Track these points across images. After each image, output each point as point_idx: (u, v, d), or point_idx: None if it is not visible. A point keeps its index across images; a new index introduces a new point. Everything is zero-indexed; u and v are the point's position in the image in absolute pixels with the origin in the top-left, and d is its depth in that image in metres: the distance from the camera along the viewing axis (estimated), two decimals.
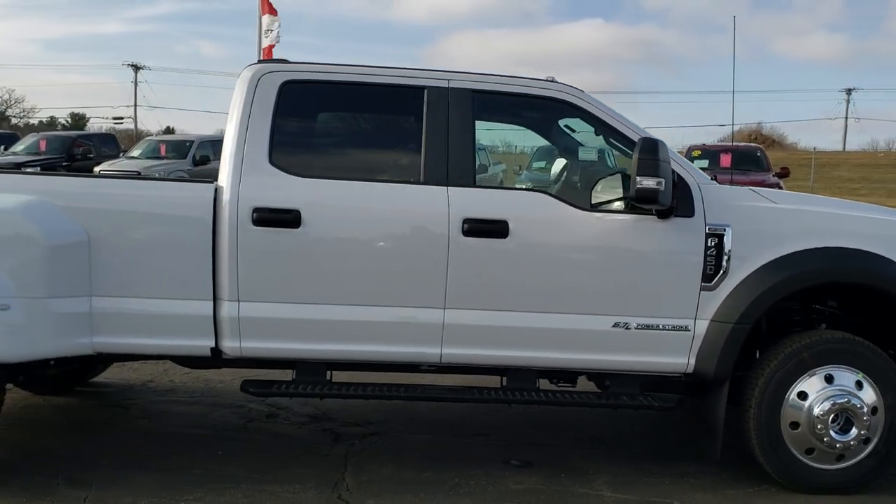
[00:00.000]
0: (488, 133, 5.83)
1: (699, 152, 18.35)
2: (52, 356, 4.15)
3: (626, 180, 4.16)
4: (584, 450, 4.92)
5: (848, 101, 73.64)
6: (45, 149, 21.51)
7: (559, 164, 5.03)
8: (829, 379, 4.24)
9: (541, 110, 4.53)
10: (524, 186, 4.59)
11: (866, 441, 4.23)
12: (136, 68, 59.20)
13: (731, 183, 5.18)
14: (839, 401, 4.20)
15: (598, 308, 4.22)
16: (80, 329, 4.10)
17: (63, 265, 4.02)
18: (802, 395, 4.24)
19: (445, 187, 4.19)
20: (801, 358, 4.23)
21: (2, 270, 3.92)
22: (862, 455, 4.26)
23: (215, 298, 4.17)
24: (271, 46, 15.99)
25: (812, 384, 4.24)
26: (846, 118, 72.00)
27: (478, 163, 4.36)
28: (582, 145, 4.70)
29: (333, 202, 4.17)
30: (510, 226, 4.14)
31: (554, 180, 4.62)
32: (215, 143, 20.89)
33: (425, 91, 4.30)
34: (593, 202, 4.21)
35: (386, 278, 4.17)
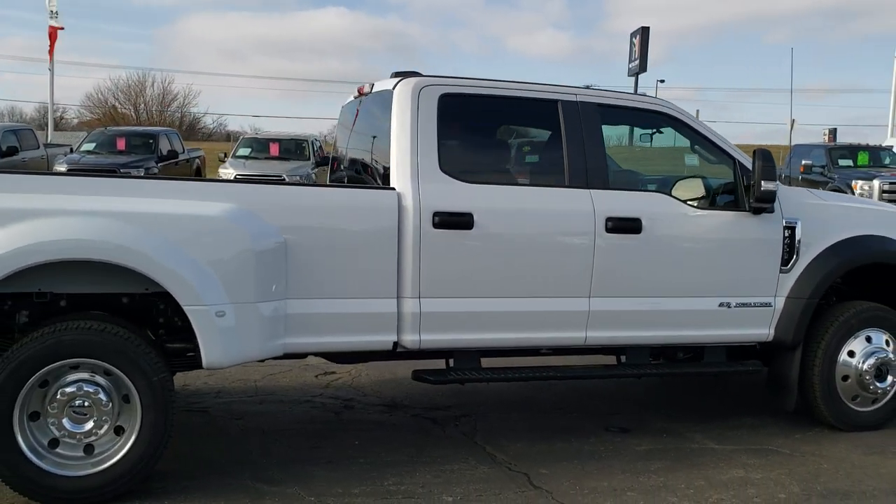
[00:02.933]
0: None
1: None
2: (257, 359, 4.25)
3: (713, 181, 5.00)
4: (659, 415, 5.70)
5: None
6: None
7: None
8: (868, 339, 5.34)
9: (647, 121, 5.22)
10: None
11: (892, 385, 5.38)
12: None
13: None
14: (879, 356, 5.32)
15: (708, 291, 5.01)
16: (279, 331, 4.24)
17: (268, 269, 4.14)
18: (851, 354, 5.31)
19: (587, 190, 4.78)
20: (850, 324, 5.29)
21: (216, 277, 3.99)
22: (887, 398, 5.41)
23: (398, 296, 4.46)
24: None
25: (858, 344, 5.32)
26: None
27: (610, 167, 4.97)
28: (687, 152, 5.46)
29: (501, 205, 4.60)
30: (643, 223, 4.81)
31: (666, 182, 5.32)
32: (19, 133, 19.20)
33: (559, 104, 4.85)
34: (701, 201, 5.00)
35: (544, 273, 4.68)
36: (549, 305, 4.71)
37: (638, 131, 5.65)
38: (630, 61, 31.17)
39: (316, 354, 4.63)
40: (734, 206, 5.05)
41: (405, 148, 4.51)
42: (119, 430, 3.98)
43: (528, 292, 4.67)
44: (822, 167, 19.24)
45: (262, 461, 4.62)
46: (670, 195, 4.99)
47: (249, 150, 18.79)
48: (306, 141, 19.54)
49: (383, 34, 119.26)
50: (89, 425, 3.91)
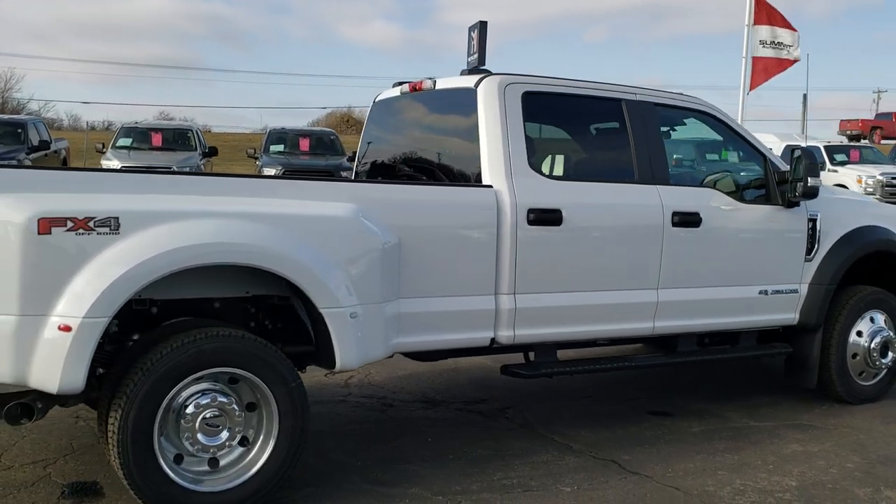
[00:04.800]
0: None
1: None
2: (379, 359, 4.17)
3: (746, 177, 5.38)
4: (689, 398, 6.02)
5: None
6: None
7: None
8: (872, 320, 5.90)
9: (690, 119, 5.49)
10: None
11: (892, 361, 5.97)
12: None
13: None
14: (883, 335, 5.88)
15: (751, 280, 5.37)
16: (394, 330, 4.18)
17: (388, 270, 4.08)
18: (860, 334, 5.84)
19: (654, 186, 5.00)
20: (859, 307, 5.82)
21: (348, 278, 3.89)
22: (883, 373, 5.99)
23: (496, 293, 4.51)
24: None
25: (864, 325, 5.87)
26: None
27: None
28: (729, 150, 5.77)
29: (585, 200, 4.74)
30: (701, 216, 5.10)
31: (714, 178, 5.60)
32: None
33: (623, 103, 5.04)
34: (746, 196, 5.35)
35: (621, 266, 4.87)
36: (625, 298, 4.89)
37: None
38: (469, 55, 31.90)
39: (407, 354, 4.59)
40: (766, 199, 5.43)
41: (497, 145, 4.54)
42: (243, 441, 3.81)
43: (607, 285, 4.83)
44: None
45: (356, 463, 4.54)
46: (719, 190, 5.30)
47: (130, 140, 17.75)
48: (190, 131, 18.76)
49: (208, 19, 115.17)
50: (223, 437, 3.72)
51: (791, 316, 5.61)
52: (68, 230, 3.35)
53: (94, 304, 3.34)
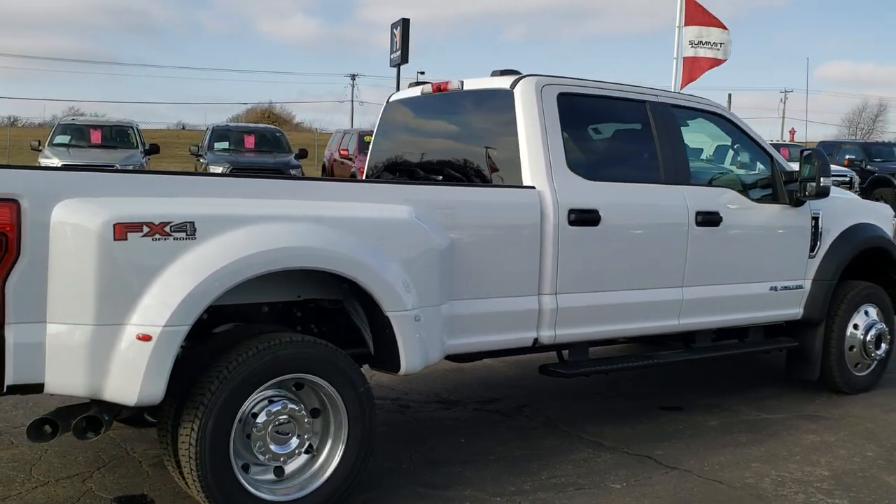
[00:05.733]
0: None
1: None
2: (435, 362, 4.14)
3: (755, 177, 5.56)
4: (694, 393, 6.17)
5: (353, 86, 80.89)
6: None
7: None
8: (867, 314, 6.15)
9: (710, 122, 5.61)
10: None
11: (885, 353, 6.24)
12: None
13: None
14: (878, 328, 6.14)
15: (763, 277, 5.54)
16: (447, 333, 4.17)
17: (445, 271, 4.07)
18: (856, 327, 6.09)
19: (679, 186, 5.11)
20: (855, 301, 6.06)
21: (411, 281, 3.86)
22: (874, 364, 6.26)
23: (539, 293, 4.54)
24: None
25: (860, 319, 6.12)
26: (352, 101, 79.14)
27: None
28: (737, 149, 5.90)
29: (620, 201, 4.80)
30: (721, 216, 5.23)
31: (723, 177, 5.73)
32: None
33: (648, 105, 5.14)
34: (753, 195, 5.51)
35: (652, 265, 4.96)
36: (655, 296, 4.99)
37: None
38: (392, 52, 31.74)
39: (448, 356, 4.57)
40: (773, 199, 5.60)
41: (537, 147, 4.57)
42: (308, 448, 3.74)
43: (639, 284, 4.92)
44: None
45: (398, 466, 4.51)
46: (734, 189, 5.44)
47: (68, 137, 17.08)
48: (131, 127, 18.15)
49: (122, 12, 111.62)
50: (293, 444, 3.65)
51: (797, 311, 5.81)
52: (144, 235, 3.23)
53: (175, 312, 3.23)
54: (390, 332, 3.82)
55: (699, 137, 5.98)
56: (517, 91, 4.66)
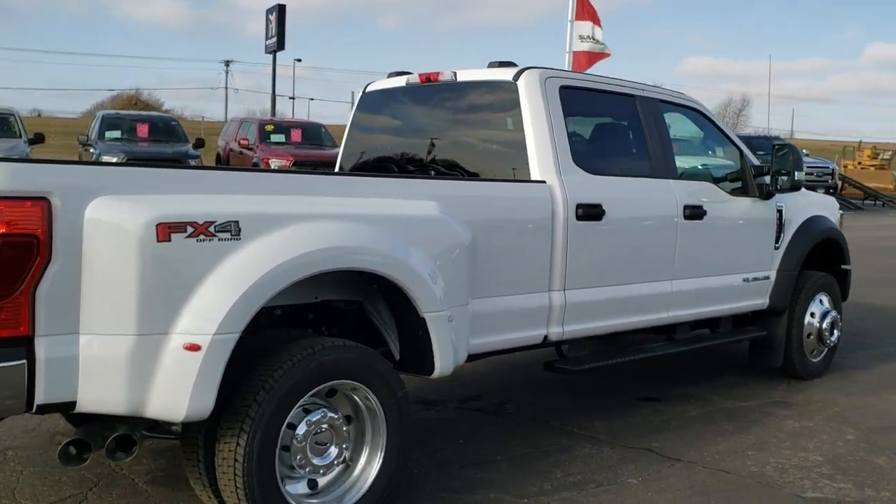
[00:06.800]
0: None
1: None
2: (460, 364, 3.99)
3: (727, 170, 5.71)
4: (667, 384, 6.26)
5: (227, 73, 78.80)
6: None
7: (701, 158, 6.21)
8: (821, 302, 6.41)
9: (686, 116, 5.68)
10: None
11: (836, 339, 6.53)
12: None
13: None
14: (832, 315, 6.41)
15: (738, 268, 5.68)
16: (470, 333, 4.04)
17: (471, 270, 3.94)
18: (812, 315, 6.34)
19: (667, 180, 5.15)
20: (812, 290, 6.31)
21: (443, 280, 3.72)
22: (826, 351, 6.55)
23: (549, 289, 4.47)
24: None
25: (816, 307, 6.37)
26: (226, 88, 77.09)
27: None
28: (710, 143, 5.98)
29: (621, 195, 4.79)
30: (704, 209, 5.31)
31: (706, 172, 5.80)
32: None
33: (637, 100, 5.16)
34: (729, 189, 5.63)
35: (647, 259, 4.99)
36: (650, 289, 5.02)
37: None
38: (267, 38, 31.07)
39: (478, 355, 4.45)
40: (743, 192, 5.74)
41: (545, 140, 4.49)
42: (343, 458, 3.55)
43: (636, 278, 4.94)
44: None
45: (412, 471, 4.34)
46: (713, 183, 5.54)
47: None
48: (12, 115, 16.88)
49: None
50: (332, 454, 3.45)
51: (763, 301, 5.98)
52: (189, 236, 2.96)
53: (225, 319, 2.98)
54: (424, 334, 3.67)
55: (674, 131, 6.04)
56: (521, 83, 4.57)
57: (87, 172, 3.02)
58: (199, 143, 17.55)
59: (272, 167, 16.94)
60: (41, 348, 2.81)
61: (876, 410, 5.72)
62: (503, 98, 4.65)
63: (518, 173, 4.54)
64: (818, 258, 6.55)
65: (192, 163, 16.05)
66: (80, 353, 2.88)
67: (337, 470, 3.52)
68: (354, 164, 5.47)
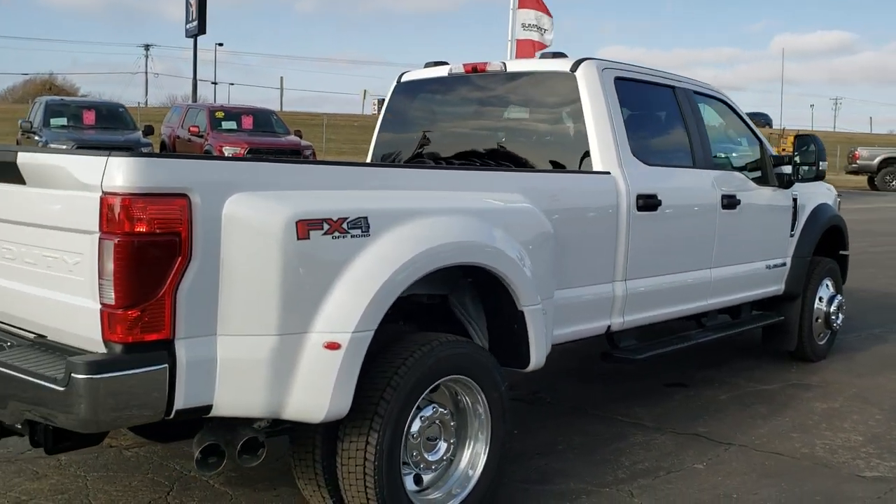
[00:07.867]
0: None
1: None
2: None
3: (750, 161, 5.86)
4: (686, 368, 6.39)
5: (147, 57, 76.64)
6: None
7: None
8: (827, 287, 6.65)
9: (709, 106, 5.78)
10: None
11: (841, 322, 6.78)
12: None
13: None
14: (837, 300, 6.66)
15: (763, 255, 5.84)
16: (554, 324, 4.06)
17: (556, 262, 3.95)
18: (821, 299, 6.56)
19: (707, 170, 5.26)
20: (820, 275, 6.53)
21: (536, 273, 3.72)
22: (829, 333, 6.79)
23: (613, 280, 4.52)
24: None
25: (823, 291, 6.60)
26: (146, 73, 74.97)
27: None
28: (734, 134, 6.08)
29: (673, 186, 4.86)
30: (738, 199, 5.44)
31: (735, 162, 5.90)
32: None
33: (675, 91, 5.24)
34: (753, 178, 5.78)
35: (695, 247, 5.10)
36: (696, 277, 5.12)
37: None
38: (188, 22, 30.24)
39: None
40: (764, 181, 5.90)
41: (606, 132, 4.53)
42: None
43: (686, 267, 5.04)
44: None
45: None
46: (741, 173, 5.67)
47: None
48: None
49: None
50: (441, 450, 3.43)
51: (779, 287, 6.17)
52: (325, 233, 2.89)
53: (363, 317, 2.92)
54: (521, 328, 3.67)
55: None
56: (580, 74, 4.59)
57: (225, 167, 2.91)
58: (149, 131, 17.05)
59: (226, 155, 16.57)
60: (182, 351, 2.71)
61: (888, 390, 5.96)
62: (559, 89, 4.66)
63: (578, 165, 4.56)
64: (821, 245, 6.77)
65: (145, 150, 15.58)
66: (217, 356, 2.78)
67: (442, 466, 3.49)
68: (393, 157, 5.40)
